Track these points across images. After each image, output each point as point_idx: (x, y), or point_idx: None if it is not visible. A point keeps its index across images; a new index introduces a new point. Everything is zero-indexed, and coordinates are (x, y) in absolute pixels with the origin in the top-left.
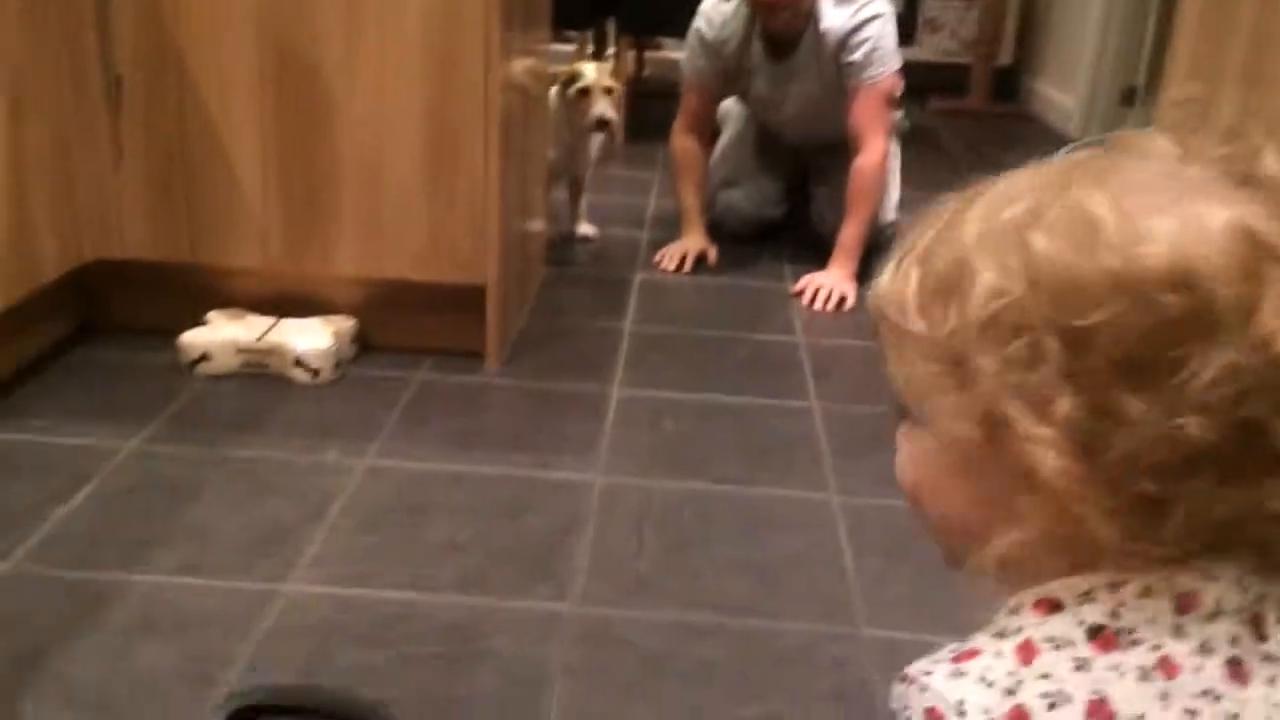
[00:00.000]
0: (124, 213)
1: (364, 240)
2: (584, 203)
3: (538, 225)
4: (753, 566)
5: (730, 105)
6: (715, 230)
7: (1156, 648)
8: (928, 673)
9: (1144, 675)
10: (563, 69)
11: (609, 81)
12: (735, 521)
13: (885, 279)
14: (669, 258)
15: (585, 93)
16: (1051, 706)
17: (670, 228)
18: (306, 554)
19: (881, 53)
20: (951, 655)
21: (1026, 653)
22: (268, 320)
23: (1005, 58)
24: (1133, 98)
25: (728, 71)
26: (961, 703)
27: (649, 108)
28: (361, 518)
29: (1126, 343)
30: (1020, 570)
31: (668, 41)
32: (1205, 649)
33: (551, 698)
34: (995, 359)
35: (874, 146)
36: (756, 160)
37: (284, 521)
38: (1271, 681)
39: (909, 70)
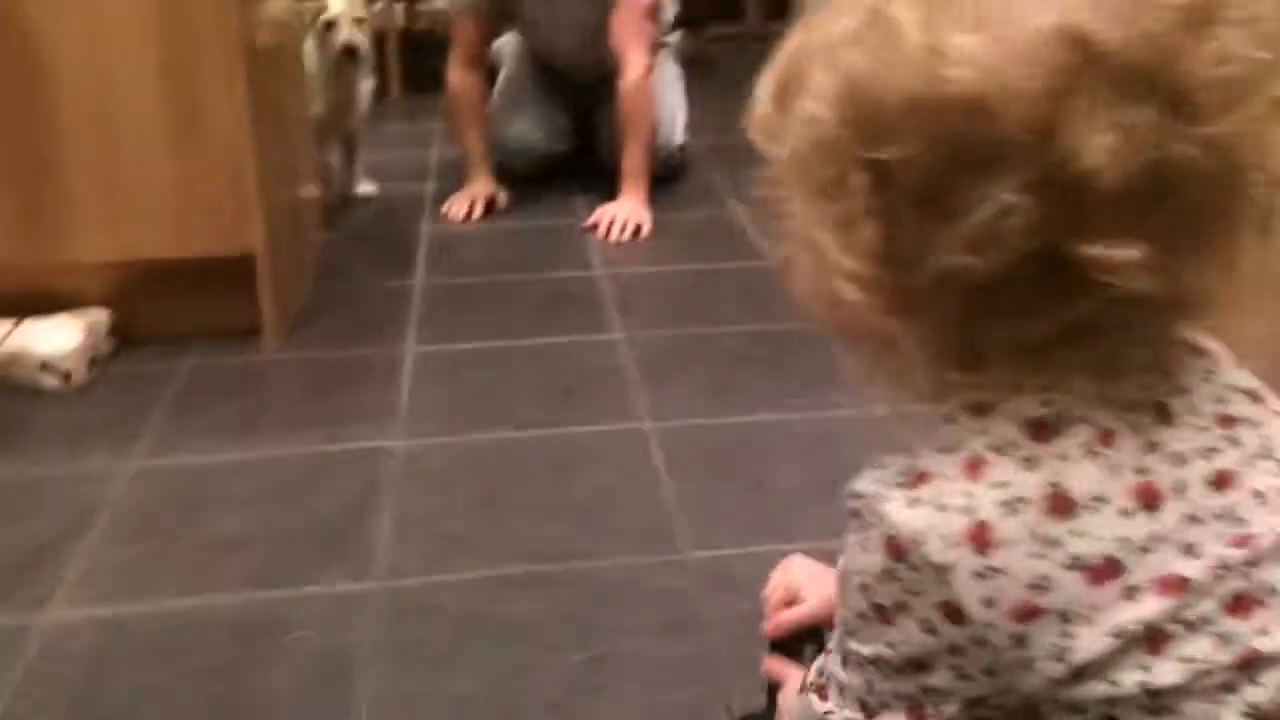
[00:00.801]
0: None
1: (106, 220)
2: (360, 160)
3: (309, 187)
4: (568, 508)
5: (505, 43)
6: (502, 171)
7: (1092, 421)
8: (881, 498)
9: (1089, 450)
10: (308, 5)
11: (359, 11)
12: (546, 465)
13: (753, 103)
14: (456, 207)
15: (330, 26)
16: (1011, 512)
17: (456, 177)
18: (69, 575)
19: None
20: (904, 480)
21: (974, 467)
22: (5, 324)
23: None
24: None
25: None
26: (921, 533)
27: (424, 60)
28: (131, 526)
29: (928, 172)
30: (926, 377)
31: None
32: (1130, 407)
33: (360, 684)
34: (808, 187)
35: (635, 63)
36: (538, 95)
37: (41, 543)
38: (1192, 408)
39: None
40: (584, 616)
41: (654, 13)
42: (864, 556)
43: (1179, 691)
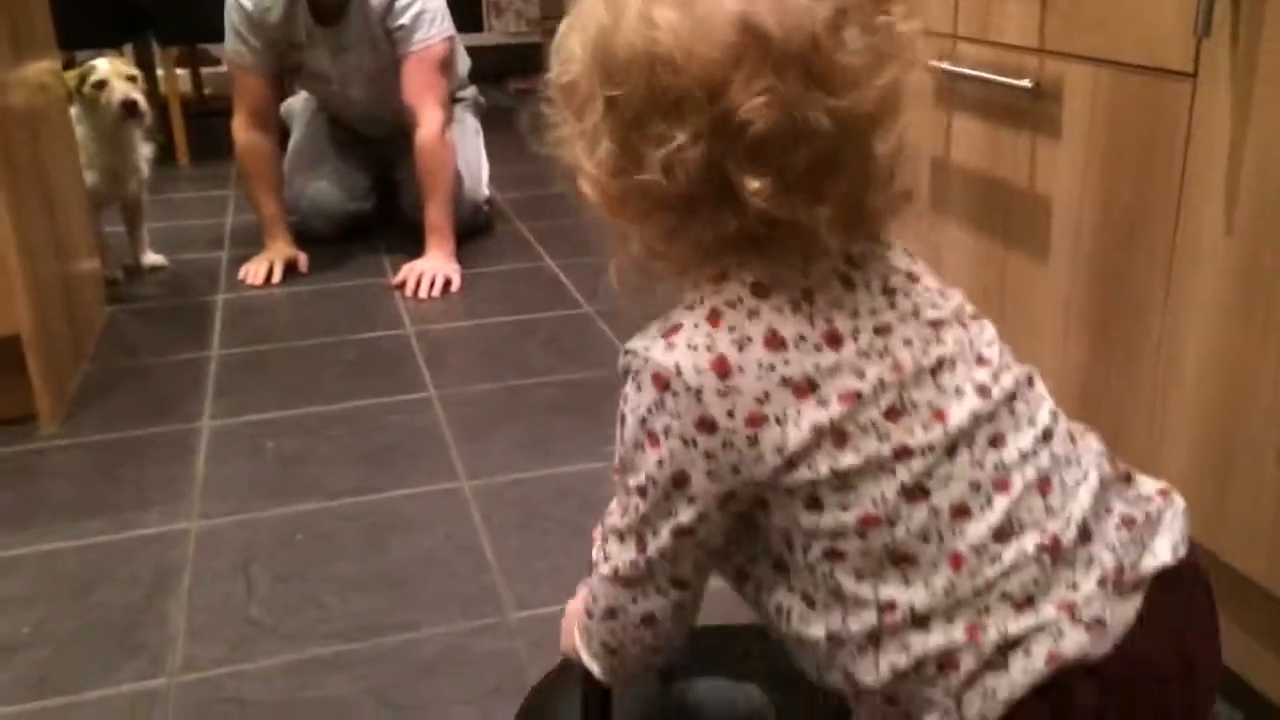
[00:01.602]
0: None
1: None
2: (145, 230)
3: (85, 260)
4: (384, 577)
5: (295, 101)
6: (302, 233)
7: (796, 285)
8: (647, 348)
9: (794, 306)
10: (70, 74)
11: (127, 69)
12: (358, 535)
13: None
14: (253, 271)
15: (102, 85)
16: (741, 347)
17: (252, 244)
18: None
19: (429, 16)
20: (661, 332)
21: (714, 318)
22: None
23: None
24: None
25: (277, 46)
26: (677, 366)
27: (212, 126)
28: None
29: (639, 108)
30: (683, 258)
31: (221, 53)
32: (822, 276)
33: None
34: (569, 108)
35: (431, 118)
36: (334, 153)
37: None
38: (867, 283)
39: (482, 55)
40: (404, 693)
41: (445, 66)
42: (638, 395)
43: (856, 473)
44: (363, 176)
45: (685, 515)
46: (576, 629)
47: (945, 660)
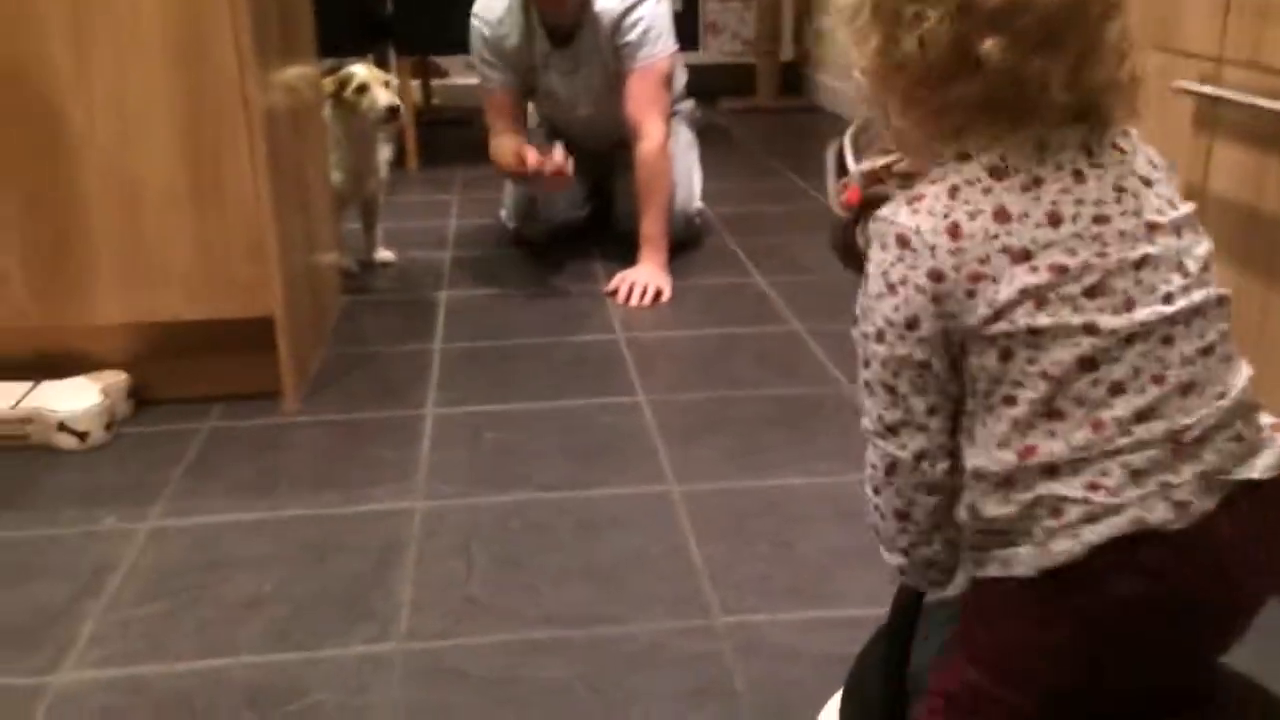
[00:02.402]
0: None
1: (127, 282)
2: (379, 228)
3: (328, 252)
4: (593, 571)
5: None
6: (517, 239)
7: (1029, 172)
8: (894, 213)
9: (1025, 188)
10: (328, 80)
11: (384, 75)
12: (570, 527)
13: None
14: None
15: (364, 89)
16: (972, 217)
17: (472, 245)
18: (82, 635)
19: (655, 32)
20: (906, 200)
21: (953, 191)
22: (23, 385)
23: (787, 55)
24: None
25: (518, 68)
26: (918, 227)
27: (440, 135)
28: (146, 586)
29: (901, 7)
30: (936, 134)
31: (453, 67)
32: (1058, 166)
33: None
34: (844, 20)
35: (653, 132)
36: None
37: (53, 603)
38: (1100, 178)
39: (698, 74)
40: (612, 683)
41: (668, 80)
42: (882, 253)
43: (1047, 333)
44: (579, 186)
45: (920, 353)
46: (876, 535)
47: (1057, 506)
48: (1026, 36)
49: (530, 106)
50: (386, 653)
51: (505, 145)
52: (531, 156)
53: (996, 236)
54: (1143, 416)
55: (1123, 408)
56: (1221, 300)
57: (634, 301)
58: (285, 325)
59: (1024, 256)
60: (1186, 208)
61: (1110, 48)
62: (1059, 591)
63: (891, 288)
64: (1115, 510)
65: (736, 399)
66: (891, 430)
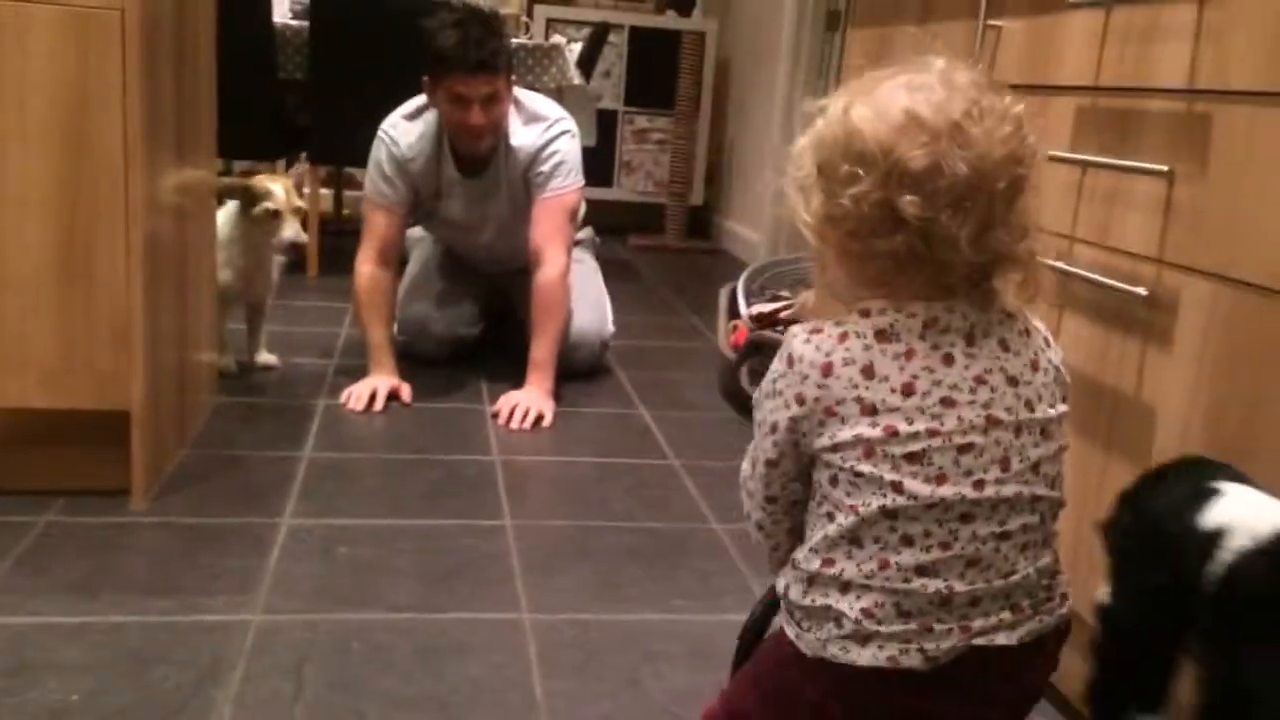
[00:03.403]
0: None
1: None
2: (264, 331)
3: (203, 349)
4: (429, 700)
5: (415, 231)
6: (408, 354)
7: (908, 344)
8: (797, 334)
9: (895, 357)
10: (234, 182)
11: (298, 201)
12: (412, 652)
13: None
14: (355, 398)
15: (275, 214)
16: (845, 364)
17: (360, 356)
18: None
19: (567, 166)
20: (809, 330)
21: (842, 337)
22: None
23: (697, 199)
24: None
25: (418, 192)
26: (803, 355)
27: (345, 244)
28: None
29: (838, 166)
30: (861, 282)
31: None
32: (935, 347)
33: None
34: (791, 180)
35: (555, 260)
36: (448, 280)
37: None
38: (966, 367)
39: (609, 209)
40: None
41: (573, 214)
42: (776, 363)
43: (864, 479)
44: (472, 305)
45: (773, 453)
46: None
47: (839, 618)
48: (938, 198)
49: (417, 229)
50: None
51: (369, 322)
52: (379, 403)
53: (856, 387)
54: (923, 571)
55: (909, 558)
56: (1037, 499)
57: (515, 424)
58: (142, 420)
59: (870, 411)
60: (1048, 411)
61: (1013, 221)
62: (822, 674)
63: (772, 393)
64: (879, 637)
65: (603, 529)
66: (747, 494)
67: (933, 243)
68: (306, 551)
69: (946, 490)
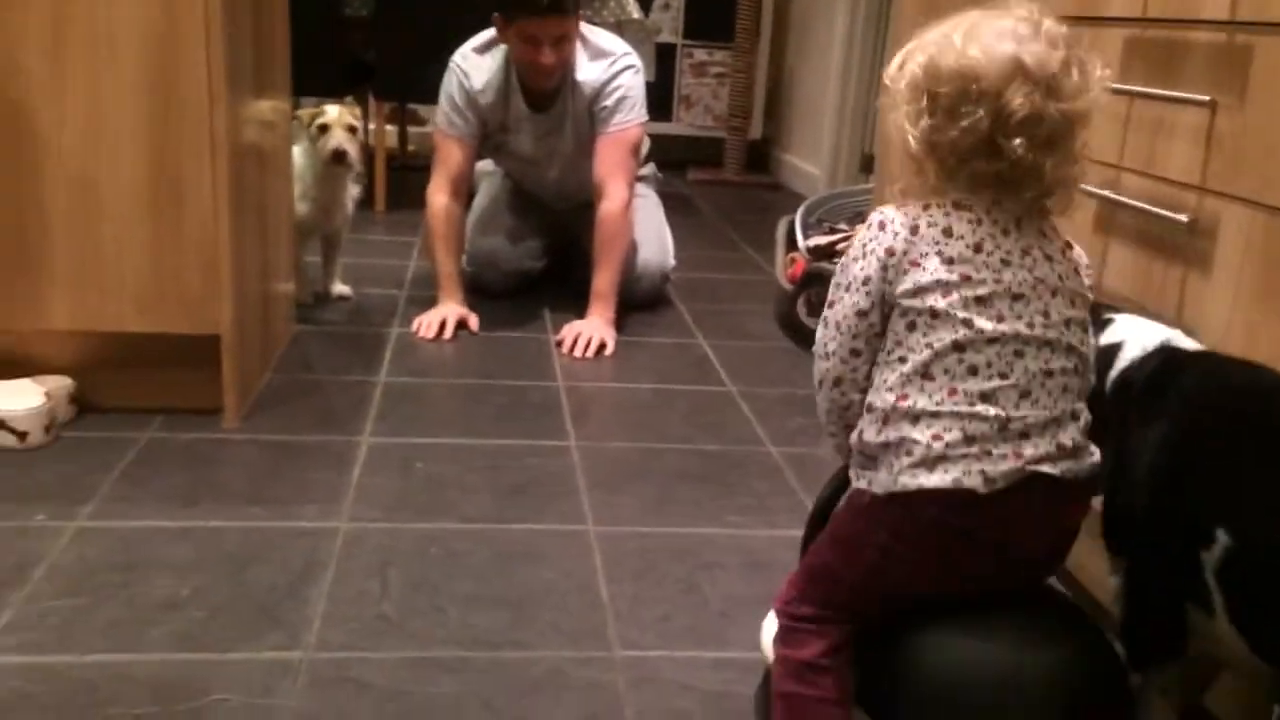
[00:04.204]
0: None
1: (80, 290)
2: (338, 263)
3: (284, 281)
4: (503, 600)
5: (484, 165)
6: (475, 286)
7: (976, 214)
8: (882, 209)
9: (969, 222)
10: (304, 112)
11: (350, 120)
12: (486, 557)
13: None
14: (426, 326)
15: (325, 129)
16: (929, 226)
17: (429, 288)
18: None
19: (630, 101)
20: (898, 204)
21: (925, 207)
22: None
23: (755, 132)
24: (871, 164)
25: (487, 125)
26: (893, 218)
27: (411, 180)
28: (66, 581)
29: (954, 99)
30: (945, 189)
31: (430, 116)
32: (995, 221)
33: None
34: (902, 100)
35: (617, 194)
36: (514, 214)
37: None
38: (1015, 240)
39: (668, 143)
40: (507, 704)
41: (637, 148)
42: (867, 231)
43: (940, 315)
44: (538, 239)
45: (865, 303)
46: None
47: (910, 447)
48: (1035, 140)
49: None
50: (293, 660)
51: (439, 252)
52: (448, 331)
53: (937, 243)
54: (985, 398)
55: (974, 385)
56: (1070, 349)
57: (578, 352)
58: (231, 344)
59: (949, 261)
60: (1076, 285)
61: (1078, 153)
62: (890, 513)
63: (862, 254)
64: (945, 461)
65: (662, 451)
66: (825, 356)
67: (1019, 170)
68: (385, 467)
69: (1005, 326)
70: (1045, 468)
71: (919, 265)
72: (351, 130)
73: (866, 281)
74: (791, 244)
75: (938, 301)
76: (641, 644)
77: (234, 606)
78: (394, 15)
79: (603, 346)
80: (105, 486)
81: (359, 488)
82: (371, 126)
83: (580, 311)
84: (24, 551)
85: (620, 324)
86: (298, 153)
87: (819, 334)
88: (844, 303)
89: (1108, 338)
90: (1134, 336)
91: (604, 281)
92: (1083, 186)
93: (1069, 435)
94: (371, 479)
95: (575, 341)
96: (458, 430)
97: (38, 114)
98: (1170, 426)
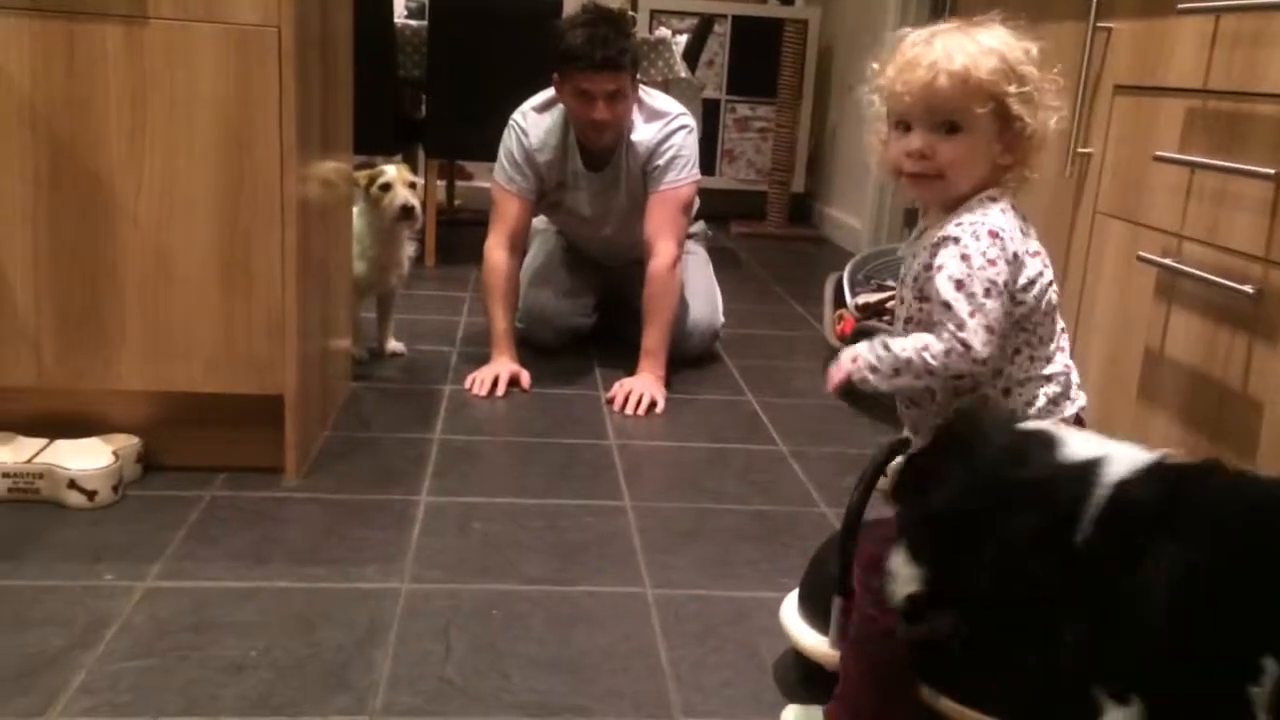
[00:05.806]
0: None
1: (150, 352)
2: (392, 320)
3: (343, 338)
4: (564, 664)
5: (538, 222)
6: (527, 341)
7: (1019, 214)
8: (978, 220)
9: (1018, 221)
10: (362, 174)
11: (409, 176)
12: (546, 620)
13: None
14: (479, 383)
15: (387, 188)
16: (1014, 228)
17: (480, 344)
18: (73, 684)
19: (683, 160)
20: (982, 215)
21: (1003, 211)
22: (39, 442)
23: (798, 186)
24: (914, 219)
25: (544, 181)
26: (1002, 227)
27: (459, 235)
28: (138, 641)
29: (1045, 96)
30: (960, 189)
31: (477, 171)
32: (1021, 217)
33: None
34: (969, 101)
35: (666, 251)
36: (566, 270)
37: (48, 651)
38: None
39: (711, 197)
40: None
41: (688, 207)
42: (978, 242)
43: (1040, 299)
44: (589, 295)
45: (1005, 304)
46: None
47: (1033, 399)
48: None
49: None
50: None
51: (495, 308)
52: (500, 388)
53: (1023, 240)
54: (1063, 356)
55: (1059, 351)
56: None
57: (629, 410)
58: (294, 404)
59: (1034, 254)
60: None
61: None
62: None
63: (991, 262)
64: (1052, 412)
65: (717, 511)
66: (982, 362)
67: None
68: (444, 526)
69: (1056, 298)
70: (1070, 410)
71: (1021, 261)
72: (412, 186)
73: (1006, 286)
74: (840, 301)
75: (1041, 293)
76: (704, 710)
77: (302, 668)
78: (445, 76)
79: (653, 404)
80: (172, 546)
81: (419, 547)
82: (422, 181)
83: (630, 368)
84: (96, 611)
85: (670, 380)
86: (355, 212)
87: (946, 346)
88: (989, 309)
89: (1075, 454)
90: (1117, 451)
91: (654, 339)
92: (1141, 254)
93: (1077, 389)
94: (430, 538)
95: (626, 399)
96: (513, 489)
97: (116, 182)
98: (1194, 552)
